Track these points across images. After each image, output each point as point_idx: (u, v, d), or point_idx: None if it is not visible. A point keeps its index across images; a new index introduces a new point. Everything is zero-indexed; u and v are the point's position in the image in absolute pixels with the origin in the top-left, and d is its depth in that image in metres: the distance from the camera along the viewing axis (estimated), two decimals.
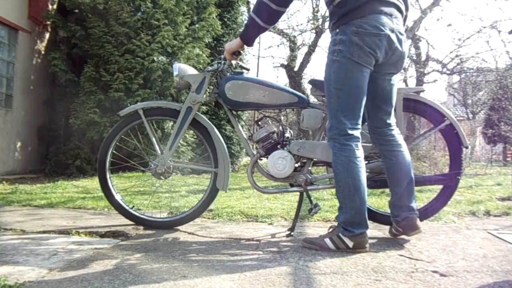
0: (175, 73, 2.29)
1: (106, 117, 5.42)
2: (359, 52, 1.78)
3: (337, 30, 1.84)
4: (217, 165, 2.29)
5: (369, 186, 2.19)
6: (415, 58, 10.06)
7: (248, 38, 2.09)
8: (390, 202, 2.06)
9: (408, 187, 1.98)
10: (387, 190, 3.14)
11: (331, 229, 1.94)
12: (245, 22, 2.10)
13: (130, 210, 2.34)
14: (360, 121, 1.89)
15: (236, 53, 2.21)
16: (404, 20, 1.96)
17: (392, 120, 2.04)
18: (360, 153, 1.86)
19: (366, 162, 2.21)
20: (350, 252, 1.82)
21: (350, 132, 1.84)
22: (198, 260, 1.69)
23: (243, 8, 9.40)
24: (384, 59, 1.85)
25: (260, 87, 2.19)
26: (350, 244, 1.82)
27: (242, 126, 2.48)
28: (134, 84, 5.46)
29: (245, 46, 2.18)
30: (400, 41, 1.86)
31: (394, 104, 2.02)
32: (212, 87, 2.32)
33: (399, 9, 1.88)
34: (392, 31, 1.81)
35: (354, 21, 1.78)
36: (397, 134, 2.04)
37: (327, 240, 1.86)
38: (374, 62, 1.84)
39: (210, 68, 2.29)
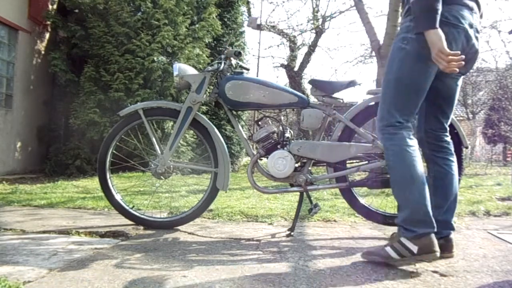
0: (175, 73, 2.30)
1: (106, 117, 5.42)
2: None
3: (413, 16, 1.60)
4: (217, 165, 2.30)
5: (369, 186, 2.19)
6: None
7: (435, 22, 1.54)
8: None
9: (454, 202, 1.79)
10: (387, 190, 3.13)
11: (393, 235, 1.77)
12: (415, 15, 1.59)
13: (130, 210, 2.34)
14: (412, 119, 1.72)
15: (236, 53, 2.23)
16: (481, 17, 1.74)
17: (448, 126, 1.86)
18: (413, 142, 1.67)
19: (366, 162, 2.21)
20: (410, 259, 1.57)
21: (399, 123, 1.68)
22: (198, 260, 1.69)
23: (243, 8, 9.40)
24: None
25: (260, 87, 2.20)
26: (415, 248, 1.55)
27: (242, 126, 2.48)
28: (134, 84, 5.46)
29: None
30: (477, 38, 1.67)
31: (454, 108, 1.84)
32: (212, 87, 2.33)
33: (478, 5, 1.68)
34: (471, 26, 1.62)
35: None
36: (451, 142, 1.85)
37: (388, 249, 1.62)
38: None
39: (210, 68, 2.30)
